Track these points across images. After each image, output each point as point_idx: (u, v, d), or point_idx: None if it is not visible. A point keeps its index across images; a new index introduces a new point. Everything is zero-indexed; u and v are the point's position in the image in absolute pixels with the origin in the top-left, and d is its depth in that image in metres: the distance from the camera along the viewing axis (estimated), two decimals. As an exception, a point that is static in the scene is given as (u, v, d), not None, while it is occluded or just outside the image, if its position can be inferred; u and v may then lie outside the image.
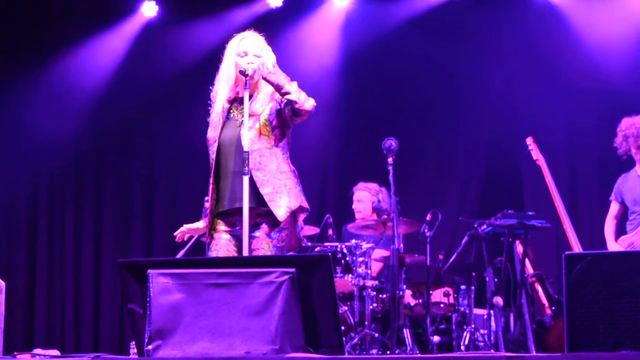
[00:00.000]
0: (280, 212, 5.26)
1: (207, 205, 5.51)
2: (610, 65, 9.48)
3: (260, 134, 5.33)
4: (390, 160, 7.75)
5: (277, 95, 5.37)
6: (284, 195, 5.30)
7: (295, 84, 5.29)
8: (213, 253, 5.36)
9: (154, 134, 10.62)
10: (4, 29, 10.25)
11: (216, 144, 5.39)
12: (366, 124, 10.37)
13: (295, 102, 5.25)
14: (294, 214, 5.37)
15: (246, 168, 5.16)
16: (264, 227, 5.29)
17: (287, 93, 5.25)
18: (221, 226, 5.40)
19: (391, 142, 7.78)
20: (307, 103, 5.29)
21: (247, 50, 5.44)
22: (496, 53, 10.08)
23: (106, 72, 10.44)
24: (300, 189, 5.42)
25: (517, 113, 10.02)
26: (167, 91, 10.39)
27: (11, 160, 10.30)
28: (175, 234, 5.61)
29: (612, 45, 9.55)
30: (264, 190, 5.26)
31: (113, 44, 10.46)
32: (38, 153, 10.35)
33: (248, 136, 5.26)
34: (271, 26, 9.73)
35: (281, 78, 5.28)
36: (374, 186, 9.15)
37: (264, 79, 5.29)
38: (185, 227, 5.58)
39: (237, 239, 5.34)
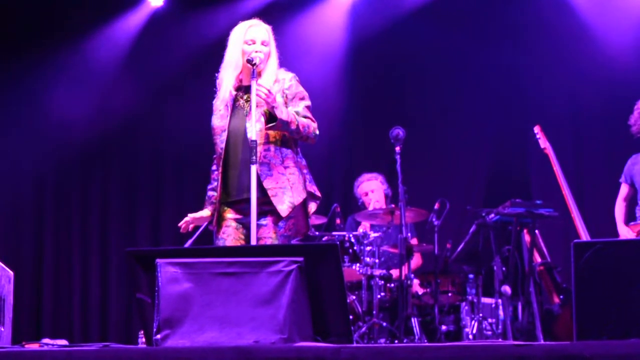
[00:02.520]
0: (283, 207, 5.28)
1: (210, 193, 5.52)
2: (618, 53, 9.46)
3: (266, 127, 5.33)
4: (397, 149, 7.76)
5: (284, 85, 5.38)
6: (287, 191, 5.31)
7: (297, 119, 5.32)
8: (221, 242, 5.37)
9: (161, 124, 10.62)
10: (10, 20, 10.26)
11: (225, 133, 5.38)
12: (373, 113, 10.37)
13: (298, 136, 5.36)
14: (303, 201, 5.38)
15: (254, 157, 5.16)
16: (271, 216, 5.29)
17: (293, 131, 5.30)
18: (229, 214, 5.41)
19: (398, 131, 7.78)
20: (309, 140, 5.42)
21: (255, 39, 5.43)
22: (503, 42, 10.06)
23: (113, 62, 10.44)
24: (308, 179, 5.43)
25: (524, 101, 10.02)
26: (174, 80, 10.38)
27: (18, 150, 10.31)
28: (180, 224, 5.60)
29: (620, 34, 9.53)
30: (267, 185, 5.27)
31: (120, 34, 10.46)
32: (45, 142, 10.35)
33: (255, 126, 5.25)
34: (278, 15, 9.73)
35: (287, 112, 5.28)
36: (379, 175, 9.15)
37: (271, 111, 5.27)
38: (189, 216, 5.57)
39: (245, 227, 5.34)
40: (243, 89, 5.47)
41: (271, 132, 5.32)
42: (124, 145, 10.59)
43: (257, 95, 5.21)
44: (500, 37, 10.07)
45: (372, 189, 9.08)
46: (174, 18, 10.48)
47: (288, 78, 5.44)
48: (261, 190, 5.27)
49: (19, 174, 10.37)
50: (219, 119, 5.45)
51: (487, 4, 10.04)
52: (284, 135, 5.36)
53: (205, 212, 5.53)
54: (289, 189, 5.31)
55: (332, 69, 10.21)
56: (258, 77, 5.38)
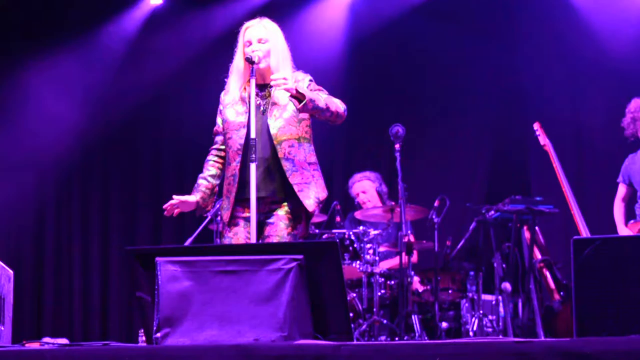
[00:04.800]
0: (310, 202, 5.31)
1: (200, 181, 5.53)
2: (619, 49, 9.46)
3: (289, 124, 5.34)
4: (397, 146, 7.75)
5: (305, 84, 5.39)
6: (313, 187, 5.34)
7: (322, 98, 5.30)
8: (227, 240, 5.37)
9: (161, 122, 10.63)
10: (7, 20, 10.26)
11: (244, 130, 5.34)
12: (373, 111, 10.36)
13: (329, 114, 5.33)
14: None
15: (253, 156, 5.17)
16: (279, 214, 5.30)
17: (323, 109, 5.28)
18: (237, 212, 5.39)
19: (398, 129, 7.77)
20: (339, 116, 5.40)
21: (251, 38, 5.44)
22: (503, 38, 10.07)
23: (112, 60, 10.44)
24: (323, 180, 5.46)
25: (524, 98, 10.02)
26: (174, 79, 10.39)
27: (18, 150, 10.30)
28: (164, 206, 5.55)
29: (621, 30, 9.52)
30: (293, 180, 5.28)
31: (119, 32, 10.45)
32: (45, 141, 10.33)
33: (276, 123, 5.28)
34: (277, 13, 9.69)
35: (319, 99, 5.27)
36: (370, 173, 9.14)
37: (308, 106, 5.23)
38: (175, 197, 5.51)
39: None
40: (258, 87, 5.47)
41: (293, 129, 5.31)
42: (124, 143, 10.60)
43: (277, 84, 5.19)
44: (500, 34, 10.08)
45: (363, 189, 9.08)
46: (173, 16, 10.47)
47: (307, 79, 5.47)
48: (287, 186, 5.29)
49: (20, 173, 10.36)
50: (235, 114, 5.42)
51: (488, 2, 10.04)
52: (304, 132, 5.37)
53: (192, 198, 5.51)
54: (314, 184, 5.35)
55: (331, 67, 10.20)
56: (271, 75, 5.41)
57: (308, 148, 5.41)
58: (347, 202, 9.60)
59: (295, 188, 5.29)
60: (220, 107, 5.53)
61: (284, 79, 5.19)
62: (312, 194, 5.33)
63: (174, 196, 5.51)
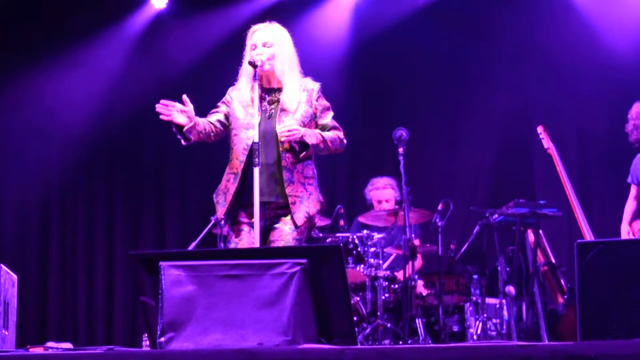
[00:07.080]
0: (299, 215, 5.32)
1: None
2: (622, 53, 9.46)
3: (301, 156, 5.37)
4: (401, 150, 7.75)
5: (313, 96, 5.42)
6: (305, 201, 5.35)
7: (324, 137, 5.41)
8: (231, 245, 5.37)
9: (165, 126, 10.59)
10: (16, 22, 10.27)
11: (252, 131, 5.34)
12: (376, 114, 10.36)
13: (327, 152, 5.51)
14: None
15: (256, 160, 5.18)
16: (285, 219, 5.31)
17: (322, 149, 5.43)
18: (243, 218, 5.40)
19: (402, 132, 7.77)
20: (338, 151, 5.60)
21: (256, 42, 5.47)
22: (507, 42, 10.07)
23: (117, 64, 10.44)
24: (319, 191, 5.46)
25: (527, 102, 10.01)
26: (178, 82, 10.38)
27: (22, 153, 10.31)
28: (162, 101, 5.51)
29: (623, 33, 9.52)
30: (289, 192, 5.31)
31: (123, 36, 10.46)
32: (49, 145, 10.34)
33: (283, 122, 5.31)
34: (281, 15, 9.70)
35: (314, 133, 5.37)
36: (392, 181, 9.11)
37: (303, 141, 5.33)
38: (185, 99, 5.44)
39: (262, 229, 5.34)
40: (265, 91, 5.48)
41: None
42: (128, 147, 10.59)
43: (285, 137, 5.28)
44: (504, 37, 10.07)
45: (386, 198, 9.06)
46: (177, 20, 10.47)
47: (316, 89, 5.51)
48: (283, 195, 5.32)
49: (25, 177, 10.37)
50: (244, 114, 5.42)
51: (492, 4, 10.03)
52: None
53: (196, 118, 5.45)
54: (306, 198, 5.36)
55: (335, 69, 10.20)
56: (276, 80, 5.46)
57: (307, 160, 5.43)
58: (351, 205, 9.59)
59: (289, 200, 5.32)
60: (229, 97, 5.53)
61: (289, 131, 5.23)
62: (303, 208, 5.34)
63: (184, 96, 5.43)
